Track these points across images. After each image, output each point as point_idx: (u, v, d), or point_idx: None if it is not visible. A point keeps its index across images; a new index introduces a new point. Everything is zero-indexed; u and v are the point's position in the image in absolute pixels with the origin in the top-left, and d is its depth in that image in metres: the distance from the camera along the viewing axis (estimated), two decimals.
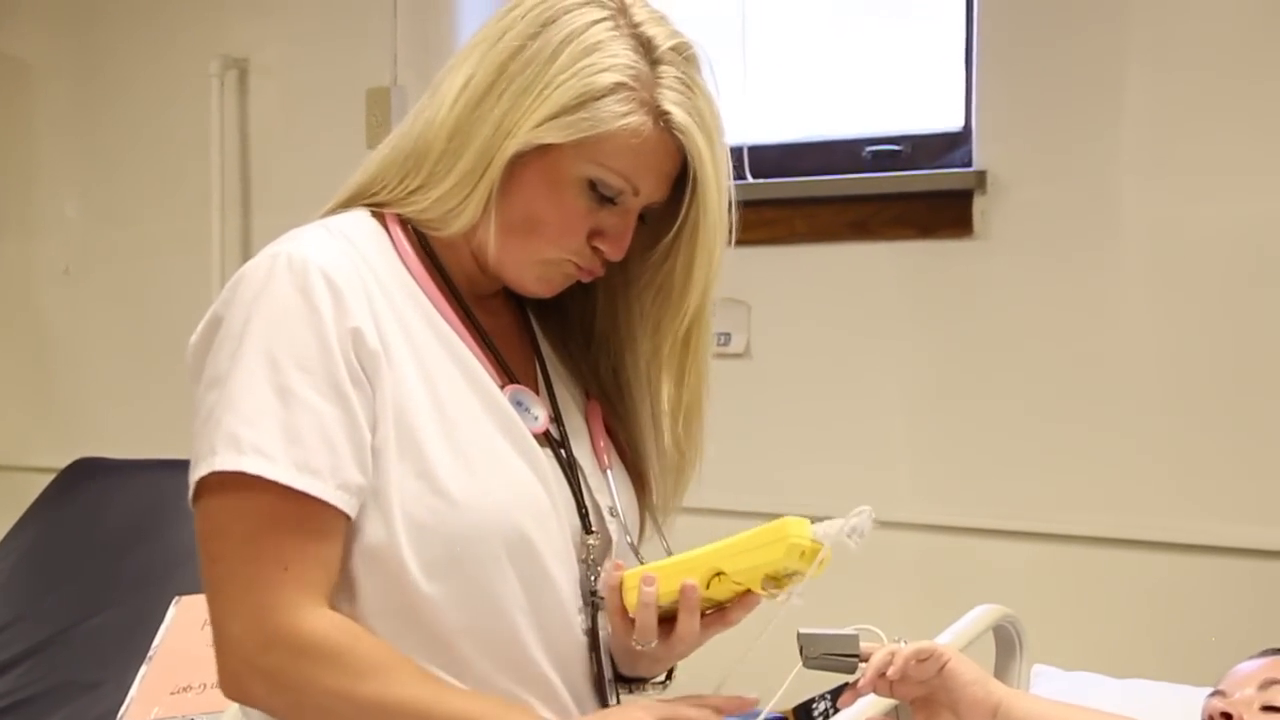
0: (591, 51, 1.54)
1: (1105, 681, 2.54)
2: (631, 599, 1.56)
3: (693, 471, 1.70)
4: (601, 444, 1.68)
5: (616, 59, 1.54)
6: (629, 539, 1.66)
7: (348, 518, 1.49)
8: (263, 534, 1.47)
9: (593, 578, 1.61)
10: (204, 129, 3.99)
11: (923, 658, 1.65)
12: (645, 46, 1.56)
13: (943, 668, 1.66)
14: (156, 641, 3.02)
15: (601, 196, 1.57)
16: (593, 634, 1.61)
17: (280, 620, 1.46)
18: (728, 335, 3.22)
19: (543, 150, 1.55)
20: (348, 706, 1.47)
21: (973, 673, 1.69)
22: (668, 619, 1.57)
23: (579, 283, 1.64)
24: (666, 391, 1.67)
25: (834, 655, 1.63)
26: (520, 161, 1.55)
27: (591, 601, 1.61)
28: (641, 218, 1.61)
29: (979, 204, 3.05)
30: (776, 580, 1.53)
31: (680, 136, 1.56)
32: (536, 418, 1.62)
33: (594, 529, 1.62)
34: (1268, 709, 1.89)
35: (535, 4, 1.58)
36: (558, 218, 1.57)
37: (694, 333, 1.65)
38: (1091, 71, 2.94)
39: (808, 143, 3.32)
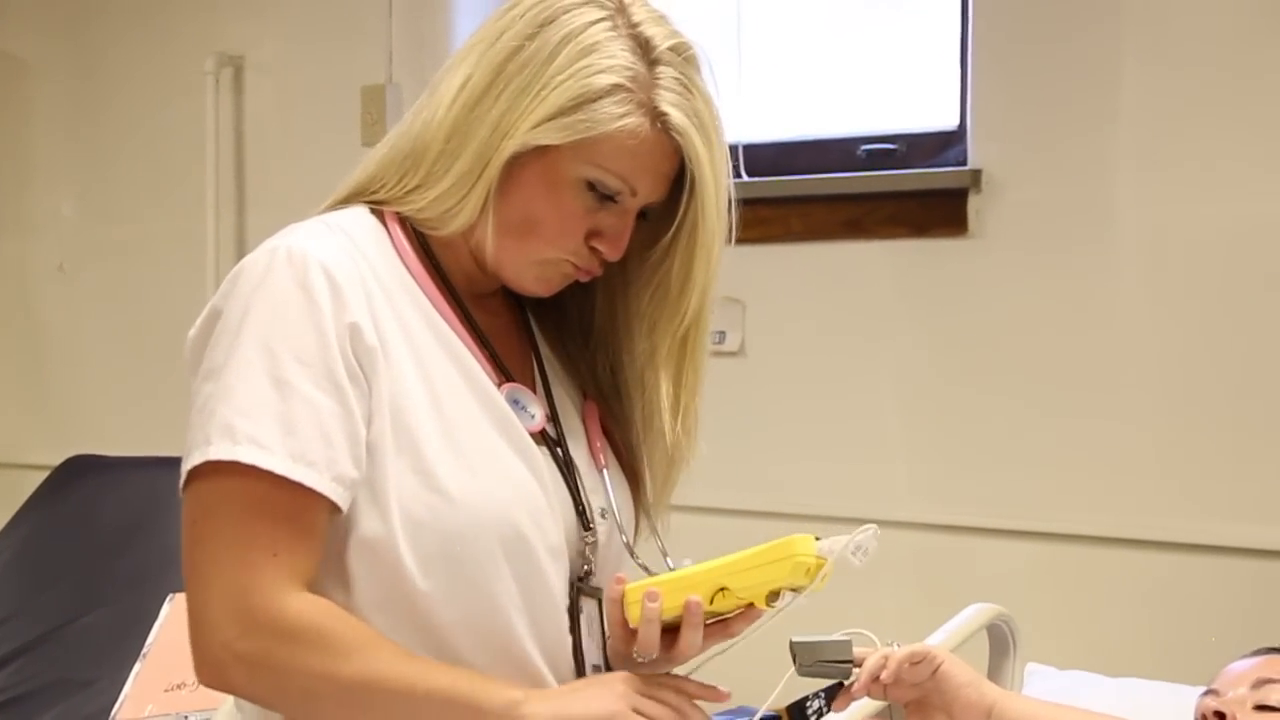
0: (589, 52, 1.54)
1: (1098, 680, 2.55)
2: (634, 613, 1.56)
3: (684, 470, 1.70)
4: (598, 444, 1.68)
5: (614, 60, 1.54)
6: (624, 539, 1.66)
7: (337, 511, 1.49)
8: (253, 520, 1.46)
9: (581, 577, 1.61)
10: (199, 126, 3.99)
11: (916, 661, 1.65)
12: (643, 47, 1.56)
13: (936, 670, 1.67)
14: (150, 639, 3.02)
15: (600, 197, 1.57)
16: (575, 631, 1.61)
17: (262, 604, 1.46)
18: (722, 334, 3.22)
19: (540, 151, 1.55)
20: (330, 687, 1.47)
21: (966, 675, 1.69)
22: (668, 631, 1.57)
23: (578, 281, 1.64)
24: (665, 390, 1.66)
25: (827, 662, 1.63)
26: (518, 162, 1.55)
27: (575, 600, 1.61)
28: (643, 214, 1.61)
29: (974, 203, 3.05)
30: (779, 595, 1.54)
31: (678, 138, 1.56)
32: (533, 416, 1.62)
33: (590, 526, 1.62)
34: (1261, 708, 1.89)
35: (533, 4, 1.58)
36: (556, 218, 1.57)
37: (693, 333, 1.65)
38: (1087, 70, 2.94)
39: (802, 141, 3.32)
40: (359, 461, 1.49)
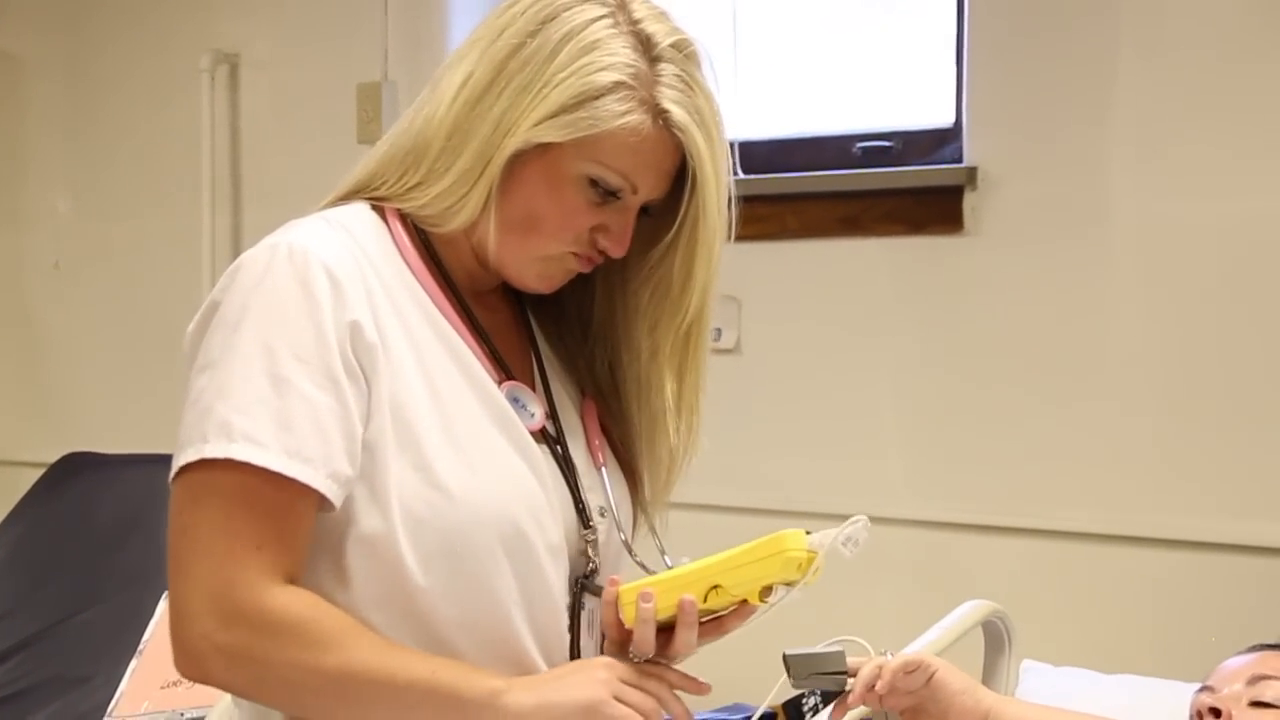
0: (591, 50, 1.54)
1: (1094, 677, 2.55)
2: (629, 614, 1.56)
3: (686, 467, 1.71)
4: (596, 442, 1.68)
5: (616, 57, 1.54)
6: (622, 537, 1.66)
7: (329, 507, 1.49)
8: (238, 514, 1.46)
9: (581, 576, 1.61)
10: (195, 124, 3.99)
11: (910, 669, 1.65)
12: (645, 44, 1.56)
13: (930, 679, 1.67)
14: (146, 636, 3.03)
15: (602, 193, 1.57)
16: (574, 630, 1.61)
17: (243, 597, 1.46)
18: (718, 331, 3.22)
19: (542, 148, 1.55)
20: (310, 679, 1.48)
21: (961, 682, 1.70)
22: (663, 630, 1.57)
23: (577, 277, 1.64)
24: (669, 389, 1.67)
25: (821, 674, 1.63)
26: (520, 159, 1.55)
27: (576, 597, 1.61)
28: (644, 211, 1.61)
29: (969, 200, 3.05)
30: (773, 590, 1.54)
31: (679, 135, 1.56)
32: (533, 415, 1.62)
33: (590, 524, 1.62)
34: (1256, 704, 1.90)
35: (534, 1, 1.58)
36: (558, 215, 1.57)
37: (695, 330, 1.65)
38: (1082, 67, 2.94)
39: (798, 139, 3.32)
40: (354, 459, 1.50)
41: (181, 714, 2.89)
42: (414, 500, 1.50)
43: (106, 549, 3.39)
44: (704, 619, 1.57)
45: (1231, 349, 2.82)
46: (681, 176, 1.59)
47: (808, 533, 1.53)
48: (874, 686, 1.64)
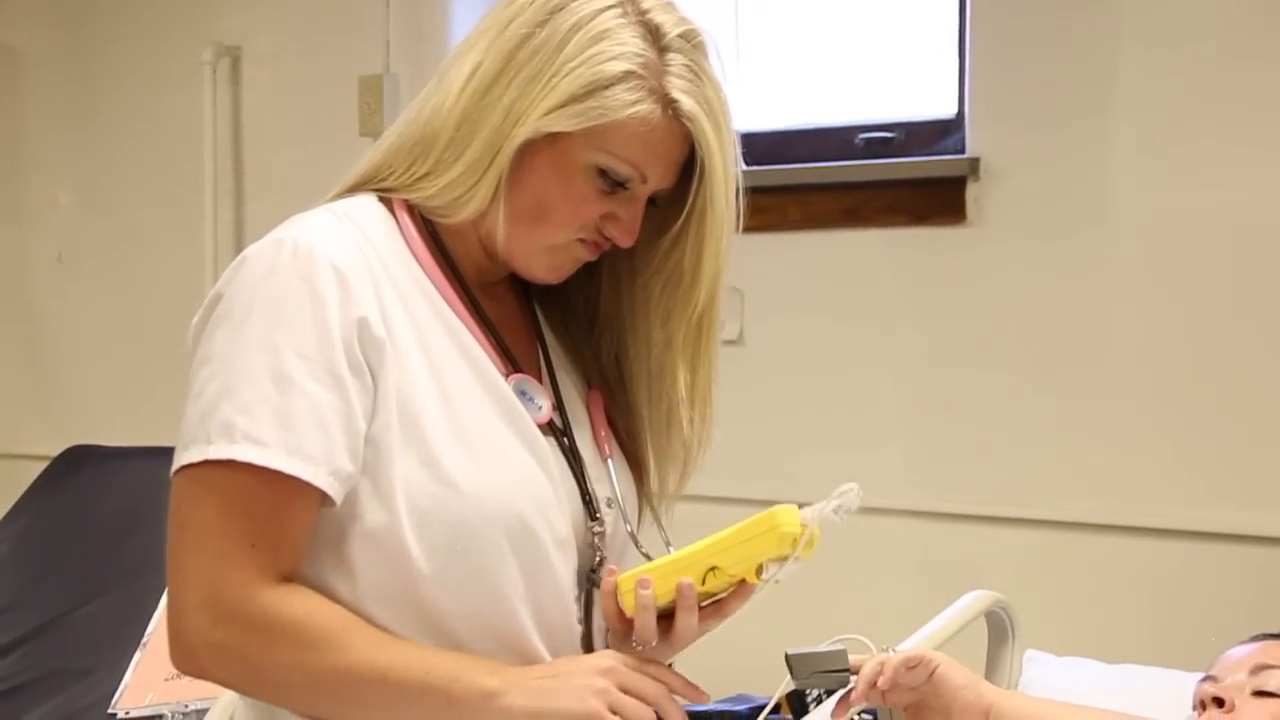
0: (600, 39, 1.54)
1: (1097, 667, 2.55)
2: (628, 602, 1.56)
3: (701, 459, 1.70)
4: (603, 433, 1.68)
5: (625, 47, 1.55)
6: (628, 528, 1.66)
7: (330, 504, 1.49)
8: (234, 512, 1.47)
9: (590, 569, 1.61)
10: (197, 117, 3.99)
11: (912, 665, 1.65)
12: (653, 34, 1.56)
13: (932, 674, 1.67)
14: (150, 628, 3.03)
15: (610, 183, 1.57)
16: (587, 622, 1.62)
17: (235, 595, 1.46)
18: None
19: (551, 138, 1.55)
20: (301, 678, 1.48)
21: (963, 677, 1.70)
22: (664, 616, 1.57)
23: (583, 268, 1.64)
24: (683, 380, 1.67)
25: (824, 672, 1.63)
26: (529, 149, 1.55)
27: (587, 590, 1.61)
28: (651, 201, 1.61)
29: (972, 191, 3.05)
30: (765, 569, 1.54)
31: (688, 125, 1.56)
32: (540, 407, 1.62)
33: (596, 517, 1.62)
34: (1259, 694, 1.90)
35: None
36: (566, 205, 1.57)
37: (706, 320, 1.65)
38: (1085, 58, 2.94)
39: (801, 130, 3.32)
40: (356, 455, 1.50)
41: (186, 706, 2.89)
42: (420, 494, 1.50)
43: (109, 542, 3.39)
44: (704, 603, 1.57)
45: (1233, 340, 2.82)
46: (689, 167, 1.59)
47: (800, 507, 1.53)
48: (876, 683, 1.64)
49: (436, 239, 1.61)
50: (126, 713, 2.96)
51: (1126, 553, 2.90)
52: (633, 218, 1.60)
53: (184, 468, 1.49)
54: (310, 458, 1.47)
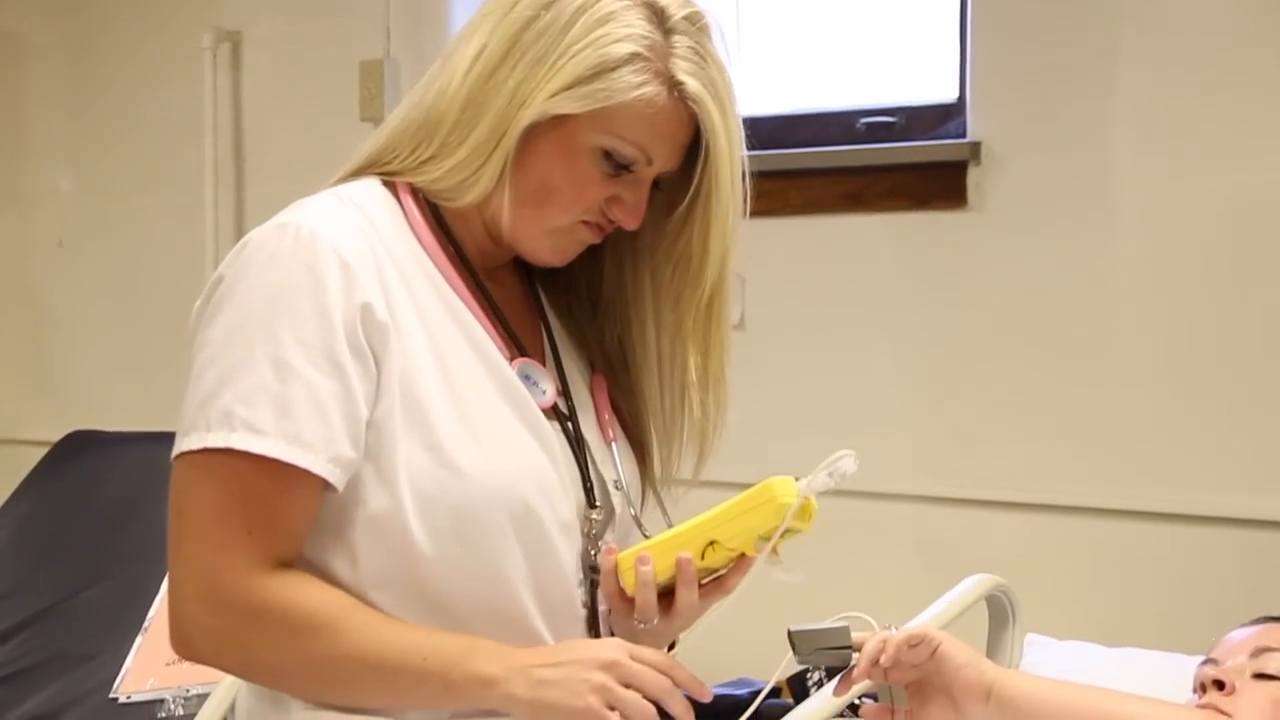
0: (605, 21, 1.54)
1: (1098, 651, 2.55)
2: (629, 580, 1.56)
3: (718, 441, 1.70)
4: (606, 417, 1.68)
5: (631, 29, 1.55)
6: (632, 511, 1.66)
7: (332, 490, 1.49)
8: (232, 499, 1.47)
9: (593, 552, 1.61)
10: (197, 102, 3.99)
11: (914, 643, 1.65)
12: (658, 16, 1.56)
13: (935, 652, 1.67)
14: (151, 613, 3.04)
15: (615, 166, 1.57)
16: (591, 608, 1.62)
17: (230, 582, 1.47)
18: None
19: (557, 120, 1.55)
20: (296, 665, 1.49)
21: (965, 655, 1.70)
22: (666, 594, 1.57)
23: (587, 250, 1.64)
24: (693, 363, 1.67)
25: (826, 649, 1.63)
26: (534, 131, 1.55)
27: (591, 577, 1.61)
28: (655, 184, 1.61)
29: (973, 175, 3.05)
30: (768, 540, 1.54)
31: (694, 106, 1.56)
32: (544, 392, 1.62)
33: (598, 503, 1.62)
34: (1259, 676, 1.90)
35: None
36: (571, 187, 1.57)
37: (715, 303, 1.65)
38: (1086, 42, 2.94)
39: (802, 114, 3.32)
40: (357, 442, 1.50)
41: (187, 691, 2.90)
42: (424, 479, 1.50)
43: (110, 527, 3.39)
44: (705, 579, 1.57)
45: (1233, 324, 2.82)
46: (693, 149, 1.59)
47: (796, 478, 1.53)
48: (879, 661, 1.64)
49: (441, 223, 1.61)
50: (128, 697, 2.96)
51: (1127, 537, 2.90)
52: (638, 200, 1.60)
53: (183, 454, 1.49)
54: (309, 445, 1.47)
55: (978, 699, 1.68)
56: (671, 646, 1.67)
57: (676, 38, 1.56)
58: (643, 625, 1.56)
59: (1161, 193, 2.88)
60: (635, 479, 1.70)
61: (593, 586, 1.61)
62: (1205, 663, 1.97)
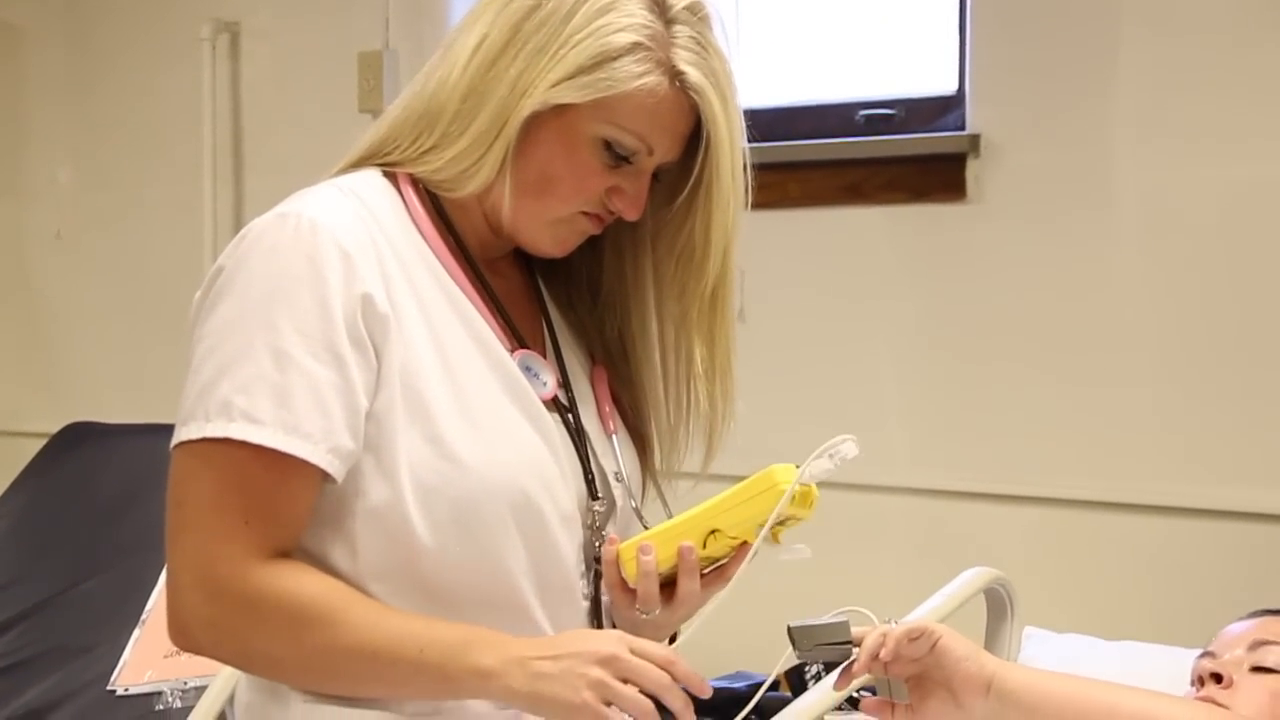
0: (607, 11, 1.54)
1: (1096, 644, 2.55)
2: (630, 569, 1.56)
3: (727, 432, 1.70)
4: (607, 408, 1.68)
5: (632, 18, 1.55)
6: (633, 503, 1.66)
7: (331, 481, 1.49)
8: (230, 489, 1.47)
9: (597, 544, 1.61)
10: (196, 93, 3.98)
11: (914, 637, 1.65)
12: (659, 6, 1.56)
13: (934, 645, 1.67)
14: (149, 605, 3.03)
15: (616, 156, 1.57)
16: (595, 600, 1.62)
17: (226, 573, 1.47)
18: None
19: (558, 110, 1.55)
20: (293, 655, 1.49)
21: (964, 648, 1.69)
22: (667, 584, 1.57)
23: (586, 242, 1.64)
24: (699, 354, 1.67)
25: (826, 644, 1.63)
26: (535, 121, 1.55)
27: (595, 568, 1.61)
28: (655, 176, 1.61)
29: (972, 168, 3.04)
30: (770, 528, 1.53)
31: (695, 96, 1.56)
32: (545, 384, 1.62)
33: (599, 495, 1.62)
34: (1257, 669, 1.90)
35: None
36: (572, 177, 1.57)
37: (720, 294, 1.65)
38: (1086, 35, 2.93)
39: (801, 106, 3.31)
40: (357, 433, 1.50)
41: (185, 683, 2.90)
42: (424, 470, 1.50)
43: (108, 519, 3.39)
44: (706, 569, 1.57)
45: (1230, 318, 2.82)
46: (694, 140, 1.59)
47: (797, 466, 1.53)
48: (879, 655, 1.64)
49: (441, 214, 1.61)
50: (126, 689, 2.96)
51: (1125, 530, 2.90)
52: (638, 191, 1.60)
53: (182, 444, 1.50)
54: (308, 436, 1.47)
55: (978, 692, 1.68)
56: (673, 638, 1.68)
57: (678, 27, 1.56)
58: (645, 615, 1.56)
59: (1161, 185, 2.88)
60: (636, 471, 1.69)
61: (596, 578, 1.61)
62: (1203, 656, 1.98)
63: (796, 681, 2.83)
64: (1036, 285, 3.00)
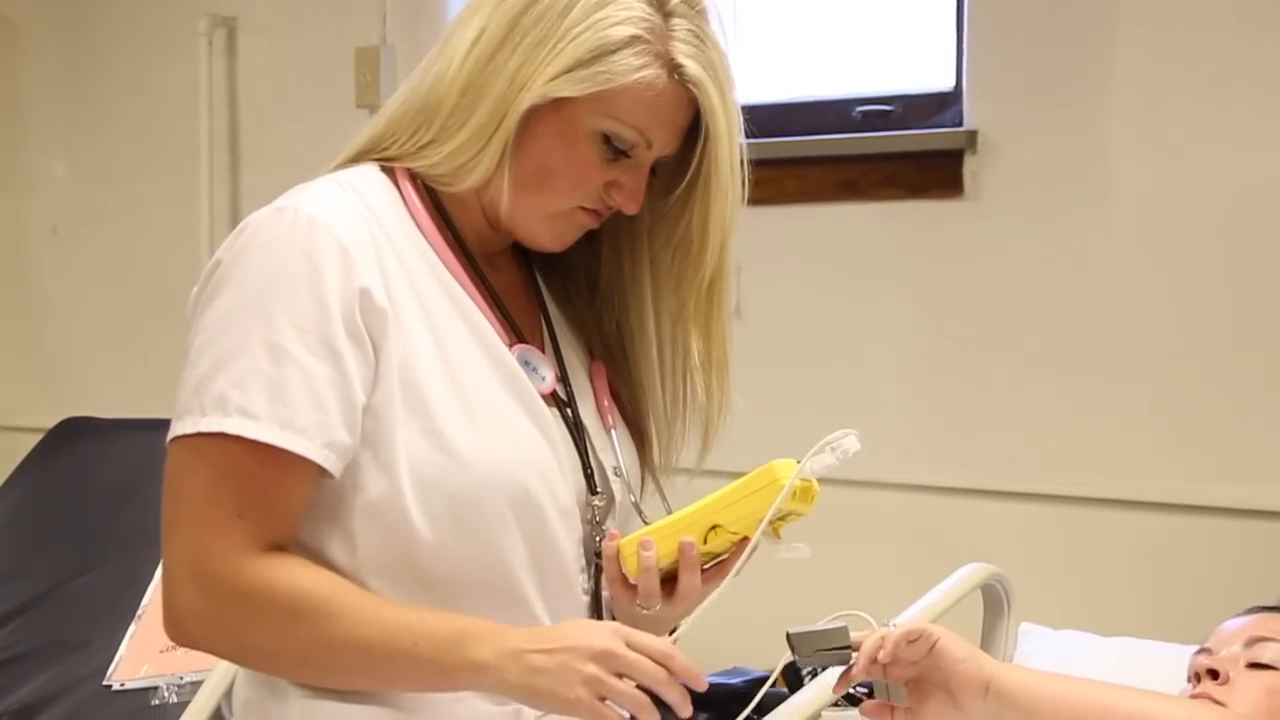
0: (605, 4, 1.54)
1: (1093, 640, 2.55)
2: (631, 565, 1.56)
3: (723, 426, 1.70)
4: (606, 403, 1.68)
5: (630, 12, 1.55)
6: (632, 498, 1.66)
7: (327, 476, 1.49)
8: (224, 483, 1.47)
9: (597, 538, 1.61)
10: (192, 88, 3.98)
11: (912, 639, 1.65)
12: None
13: (933, 647, 1.67)
14: (145, 600, 3.03)
15: (615, 150, 1.57)
16: (595, 595, 1.62)
17: (220, 566, 1.47)
18: None
19: (557, 104, 1.55)
20: (287, 648, 1.48)
21: (963, 650, 1.69)
22: (668, 579, 1.57)
23: (585, 237, 1.64)
24: (696, 347, 1.67)
25: (825, 650, 1.63)
26: (533, 115, 1.55)
27: (595, 563, 1.61)
28: (653, 169, 1.61)
29: (969, 164, 3.04)
30: (771, 523, 1.53)
31: (693, 89, 1.56)
32: (544, 378, 1.62)
33: (599, 489, 1.62)
34: (1254, 666, 1.90)
35: None
36: (571, 171, 1.57)
37: (716, 287, 1.65)
38: (1083, 31, 2.93)
39: (798, 103, 3.31)
40: (353, 428, 1.49)
41: (180, 679, 2.90)
42: (423, 464, 1.50)
43: (104, 514, 3.39)
44: (707, 564, 1.57)
45: (1228, 314, 2.82)
46: (692, 133, 1.59)
47: (798, 461, 1.53)
48: (877, 657, 1.64)
49: (439, 208, 1.61)
50: (122, 685, 2.96)
51: (1122, 526, 2.90)
52: (637, 185, 1.59)
53: (177, 438, 1.50)
54: (303, 431, 1.47)
55: (976, 693, 1.68)
56: (673, 632, 1.67)
57: (676, 20, 1.56)
58: (645, 611, 1.56)
59: (1158, 181, 2.88)
60: (634, 465, 1.69)
61: (596, 572, 1.61)
62: (1200, 652, 1.98)
63: (793, 677, 2.83)
64: (1034, 281, 3.00)
